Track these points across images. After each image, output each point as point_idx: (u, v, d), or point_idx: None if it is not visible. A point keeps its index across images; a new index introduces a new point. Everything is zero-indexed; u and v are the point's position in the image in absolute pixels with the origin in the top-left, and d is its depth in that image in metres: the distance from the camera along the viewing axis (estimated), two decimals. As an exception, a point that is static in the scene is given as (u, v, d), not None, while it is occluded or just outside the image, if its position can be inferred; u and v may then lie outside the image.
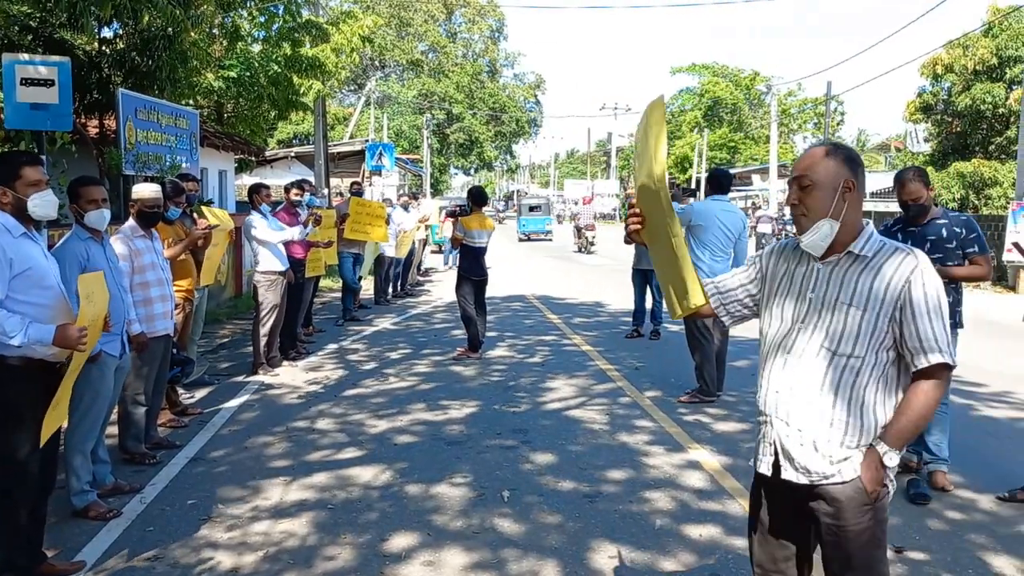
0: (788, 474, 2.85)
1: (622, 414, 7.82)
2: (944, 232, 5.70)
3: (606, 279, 20.35)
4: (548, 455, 6.56)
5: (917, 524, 5.25)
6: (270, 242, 9.03)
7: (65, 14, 9.83)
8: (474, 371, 9.71)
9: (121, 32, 11.72)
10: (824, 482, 2.77)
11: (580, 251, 31.99)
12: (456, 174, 77.84)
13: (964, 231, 5.69)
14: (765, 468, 2.92)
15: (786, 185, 2.99)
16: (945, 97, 29.47)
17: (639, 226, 2.99)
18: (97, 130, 11.66)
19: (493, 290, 11.14)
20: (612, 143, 79.35)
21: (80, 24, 9.54)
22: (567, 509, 5.42)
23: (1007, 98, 26.68)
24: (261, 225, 9.03)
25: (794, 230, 2.94)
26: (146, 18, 9.69)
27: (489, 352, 10.77)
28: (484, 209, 10.77)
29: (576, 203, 62.66)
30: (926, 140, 34.01)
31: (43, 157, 6.80)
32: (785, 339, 2.87)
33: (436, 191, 57.58)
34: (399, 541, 4.92)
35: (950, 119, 29.56)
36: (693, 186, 53.45)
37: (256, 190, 9.35)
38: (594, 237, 32.02)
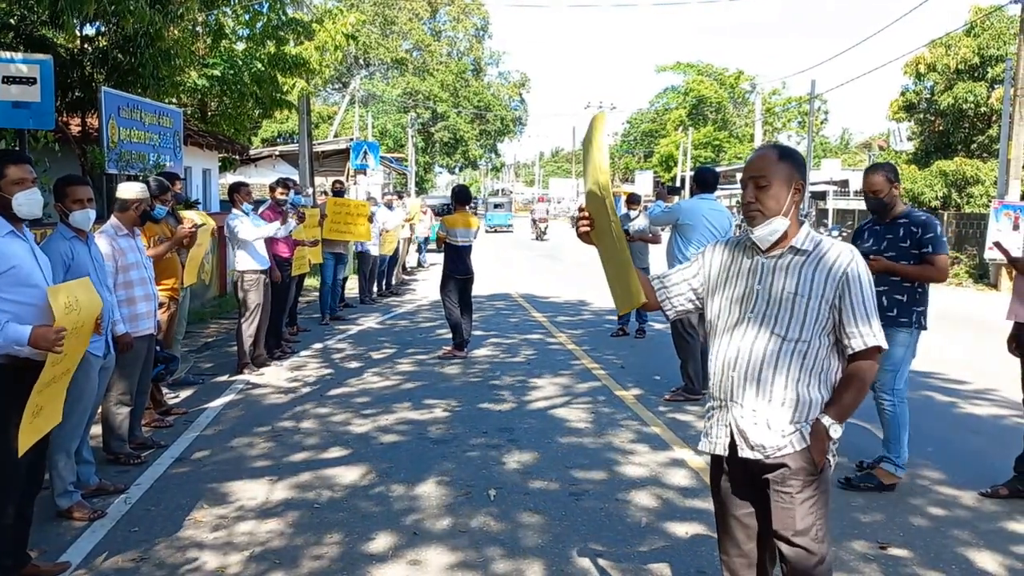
0: (744, 452, 3.08)
1: (607, 412, 7.84)
2: (901, 231, 5.73)
3: (590, 277, 20.36)
4: (533, 454, 6.57)
5: (900, 520, 5.28)
6: (250, 240, 8.99)
7: (46, 12, 9.76)
8: (459, 370, 9.70)
9: (103, 30, 11.64)
10: (777, 454, 3.01)
11: (536, 239, 39.57)
12: (441, 173, 77.69)
13: (920, 231, 5.66)
14: (721, 449, 3.15)
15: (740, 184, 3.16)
16: (928, 96, 29.64)
17: (588, 228, 3.15)
18: (79, 129, 11.58)
19: (476, 288, 11.14)
20: (597, 141, 79.24)
21: (61, 22, 9.47)
22: (552, 508, 5.43)
23: (989, 97, 26.85)
24: (244, 223, 8.98)
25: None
26: (130, 22, 9.62)
27: (474, 351, 10.77)
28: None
29: (559, 201, 74.83)
30: (909, 139, 34.19)
31: (28, 156, 6.76)
32: (735, 328, 3.10)
33: (421, 190, 57.45)
34: (384, 540, 4.92)
35: (933, 118, 29.73)
36: (678, 184, 53.67)
37: (236, 188, 9.27)
38: (546, 227, 40.86)
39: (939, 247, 5.66)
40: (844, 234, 27.13)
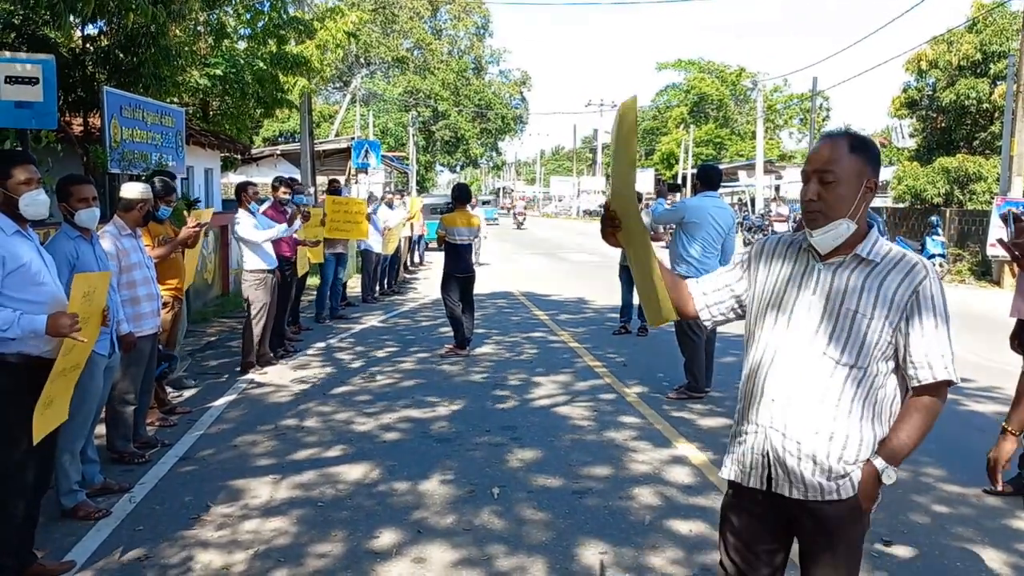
0: (782, 488, 2.68)
1: (609, 410, 7.85)
2: None
3: (591, 275, 20.37)
4: (536, 452, 6.58)
5: (904, 518, 5.29)
6: (258, 242, 9.01)
7: (47, 12, 9.78)
8: (461, 368, 9.71)
9: (105, 29, 11.65)
10: (819, 498, 2.63)
11: (517, 228, 50.19)
12: (442, 171, 77.70)
13: None
14: (756, 481, 2.74)
15: (799, 176, 2.74)
16: (930, 93, 29.59)
17: (614, 229, 2.75)
18: (82, 128, 11.59)
19: (477, 286, 11.13)
20: (598, 140, 79.50)
21: (61, 22, 9.49)
22: (555, 505, 5.44)
23: (991, 93, 26.81)
24: (246, 223, 9.00)
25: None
26: (130, 18, 9.63)
27: (476, 349, 10.77)
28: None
29: (560, 200, 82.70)
30: (911, 135, 34.11)
31: (32, 156, 6.78)
32: (781, 344, 2.67)
33: (422, 188, 57.57)
34: (388, 538, 4.93)
35: (935, 114, 29.68)
36: (680, 181, 53.77)
37: (243, 188, 9.32)
38: (524, 219, 53.11)
39: None
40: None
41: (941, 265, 21.52)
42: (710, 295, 2.95)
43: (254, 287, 9.12)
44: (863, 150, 2.60)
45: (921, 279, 2.57)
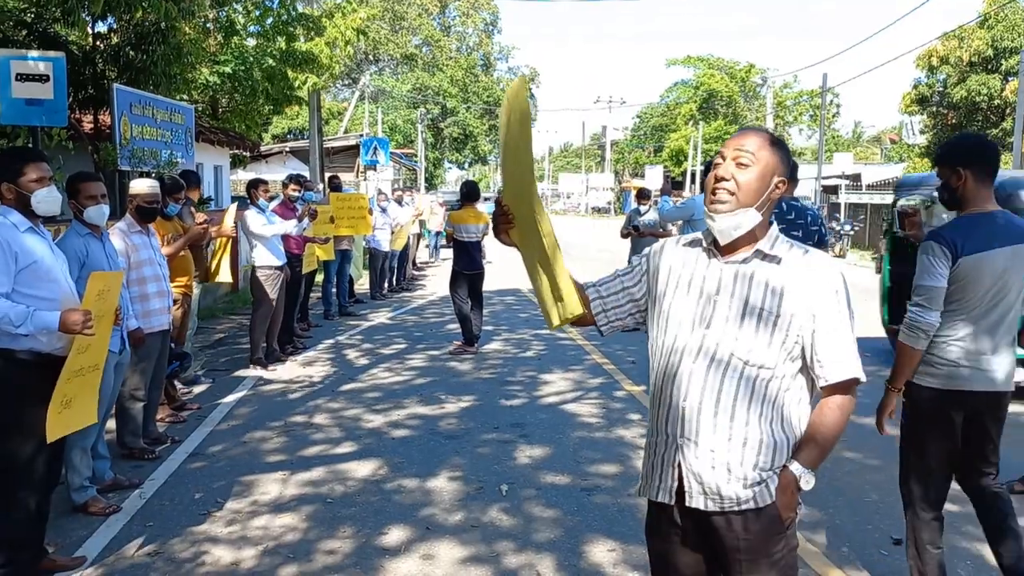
0: (696, 501, 2.51)
1: (618, 407, 7.85)
2: None
3: (599, 272, 20.29)
4: (545, 449, 6.58)
5: (913, 515, 5.27)
6: (264, 237, 9.04)
7: (58, 9, 9.82)
8: (470, 365, 9.72)
9: (115, 27, 11.70)
10: (736, 509, 2.49)
11: None
12: (451, 168, 77.74)
13: None
14: (665, 496, 2.58)
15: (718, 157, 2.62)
16: (940, 89, 29.54)
17: (509, 225, 2.61)
18: (92, 126, 11.64)
19: (485, 283, 11.12)
20: (607, 136, 79.51)
21: (74, 19, 9.53)
22: (564, 503, 5.44)
23: (1003, 89, 26.73)
24: (255, 219, 9.04)
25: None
26: (139, 13, 9.67)
27: (484, 346, 10.78)
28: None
29: (568, 196, 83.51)
30: (922, 132, 34.06)
31: (44, 154, 6.81)
32: (688, 347, 2.54)
33: (431, 185, 57.61)
34: (397, 535, 4.94)
35: (945, 111, 29.63)
36: (688, 179, 53.77)
37: (255, 185, 9.40)
38: None
39: None
40: (856, 228, 27.03)
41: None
42: (608, 299, 2.81)
43: (262, 283, 9.15)
44: (780, 148, 2.56)
45: (827, 276, 2.49)
